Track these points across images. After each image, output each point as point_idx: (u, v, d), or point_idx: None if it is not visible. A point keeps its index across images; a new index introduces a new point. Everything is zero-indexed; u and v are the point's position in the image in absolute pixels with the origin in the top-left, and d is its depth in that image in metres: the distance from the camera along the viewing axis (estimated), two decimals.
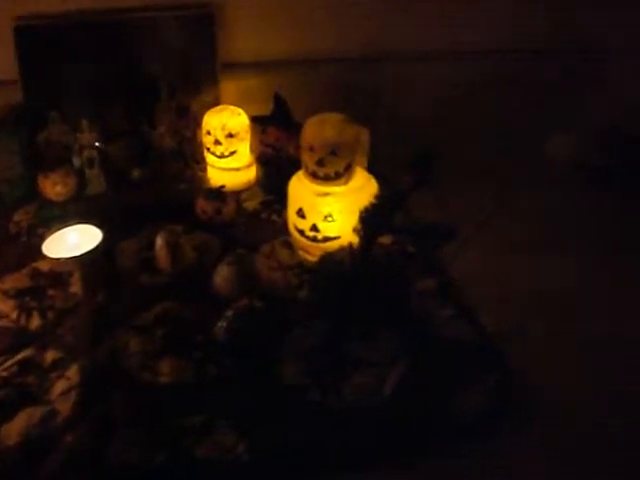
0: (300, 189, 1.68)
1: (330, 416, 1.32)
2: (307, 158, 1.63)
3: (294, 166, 1.78)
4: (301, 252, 1.74)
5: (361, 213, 1.48)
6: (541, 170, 2.27)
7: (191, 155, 2.10)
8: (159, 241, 1.66)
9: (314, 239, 1.68)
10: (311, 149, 1.61)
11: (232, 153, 2.04)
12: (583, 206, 2.12)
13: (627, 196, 2.16)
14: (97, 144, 1.98)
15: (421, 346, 1.45)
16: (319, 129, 1.60)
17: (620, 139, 2.34)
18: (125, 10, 2.06)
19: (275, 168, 2.04)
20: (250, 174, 2.11)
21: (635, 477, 1.27)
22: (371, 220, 1.47)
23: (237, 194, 2.03)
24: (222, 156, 2.04)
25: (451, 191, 1.90)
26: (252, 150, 2.12)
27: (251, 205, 2.02)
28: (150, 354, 1.42)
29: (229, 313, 1.45)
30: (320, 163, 1.60)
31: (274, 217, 1.95)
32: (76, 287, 1.64)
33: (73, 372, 1.41)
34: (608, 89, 2.43)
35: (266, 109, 2.10)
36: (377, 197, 1.49)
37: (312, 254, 1.69)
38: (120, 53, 2.08)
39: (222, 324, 1.44)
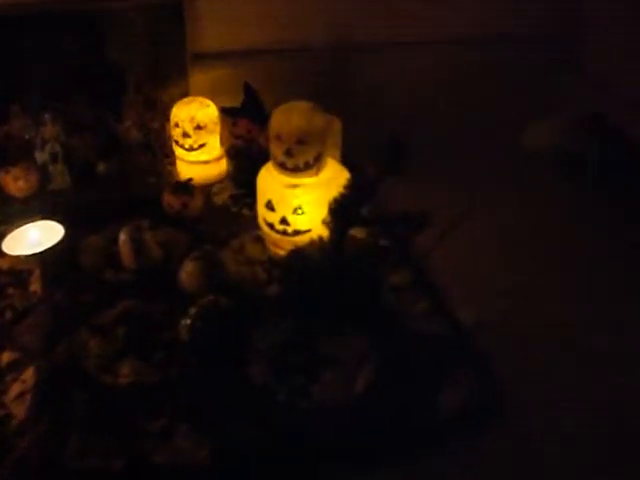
0: (269, 181, 1.62)
1: (299, 417, 1.26)
2: (275, 148, 1.57)
3: (266, 158, 1.72)
4: (271, 246, 1.67)
5: (330, 205, 1.43)
6: (520, 159, 2.23)
7: (159, 148, 2.04)
8: (122, 237, 1.60)
9: (284, 232, 1.62)
10: (279, 139, 1.55)
11: (201, 146, 1.98)
12: (564, 196, 2.08)
13: (610, 185, 2.11)
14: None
15: (393, 343, 1.39)
16: (286, 118, 1.54)
17: (602, 127, 2.29)
18: None
19: (246, 161, 1.97)
20: (220, 167, 2.05)
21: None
22: (341, 212, 1.42)
23: (206, 188, 1.97)
24: (191, 149, 1.98)
25: (427, 180, 1.85)
26: (222, 143, 2.05)
27: (221, 199, 1.95)
28: (110, 355, 1.36)
29: (193, 310, 1.39)
30: (288, 153, 1.54)
31: (245, 211, 1.89)
32: (36, 286, 1.58)
33: (29, 374, 1.35)
34: (590, 77, 2.40)
35: (237, 101, 2.03)
36: (346, 188, 1.44)
37: (282, 248, 1.63)
38: (84, 44, 2.01)
39: (186, 322, 1.38)
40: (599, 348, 1.46)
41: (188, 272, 1.53)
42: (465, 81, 2.29)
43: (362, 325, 1.41)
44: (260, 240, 1.71)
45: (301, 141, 1.53)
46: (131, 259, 1.59)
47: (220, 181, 2.04)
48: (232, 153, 2.02)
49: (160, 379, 1.32)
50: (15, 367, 1.36)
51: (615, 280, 1.68)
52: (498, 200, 1.94)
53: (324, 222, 1.46)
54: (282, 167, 1.57)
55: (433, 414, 1.29)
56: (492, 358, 1.40)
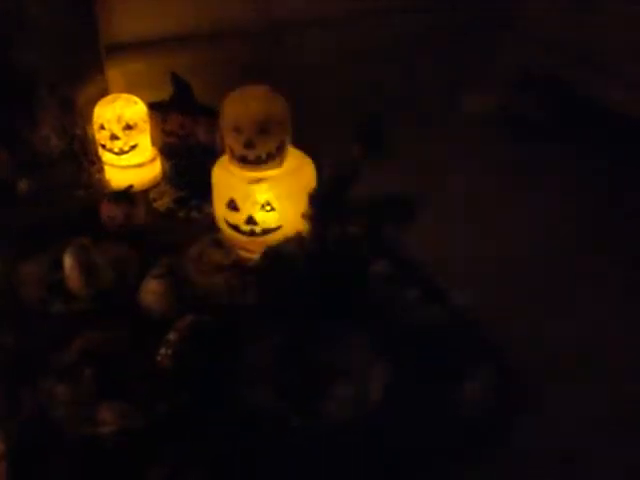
0: (228, 178, 1.45)
1: (317, 441, 1.11)
2: (232, 141, 1.40)
3: (207, 154, 1.60)
4: (237, 249, 1.50)
5: (311, 195, 1.27)
6: (462, 127, 2.16)
7: (84, 155, 1.80)
8: (68, 260, 1.39)
9: (252, 233, 1.46)
10: (236, 130, 1.38)
11: (132, 147, 1.79)
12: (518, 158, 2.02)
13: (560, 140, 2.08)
14: None
15: (398, 339, 1.25)
16: (243, 106, 1.38)
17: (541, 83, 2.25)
18: None
19: (184, 159, 1.78)
20: (155, 169, 1.86)
21: None
22: (323, 202, 1.27)
23: (143, 194, 1.77)
24: (121, 152, 1.78)
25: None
26: (153, 142, 1.85)
27: (163, 204, 1.76)
28: (84, 401, 1.15)
29: (172, 336, 1.21)
30: (249, 145, 1.38)
31: (194, 214, 1.71)
32: None
33: None
34: (515, 34, 2.35)
35: (161, 94, 1.82)
36: (325, 174, 1.29)
37: (251, 250, 1.47)
38: None
39: (167, 351, 1.19)
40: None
41: (153, 292, 1.35)
42: (398, 51, 2.19)
43: (359, 322, 1.27)
44: (221, 244, 1.53)
45: (262, 130, 1.37)
46: (81, 284, 1.39)
47: (156, 185, 1.84)
48: (166, 152, 1.82)
49: (149, 420, 1.14)
50: None
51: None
52: (460, 173, 1.87)
53: (304, 215, 1.30)
54: (242, 161, 1.41)
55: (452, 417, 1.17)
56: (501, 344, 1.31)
